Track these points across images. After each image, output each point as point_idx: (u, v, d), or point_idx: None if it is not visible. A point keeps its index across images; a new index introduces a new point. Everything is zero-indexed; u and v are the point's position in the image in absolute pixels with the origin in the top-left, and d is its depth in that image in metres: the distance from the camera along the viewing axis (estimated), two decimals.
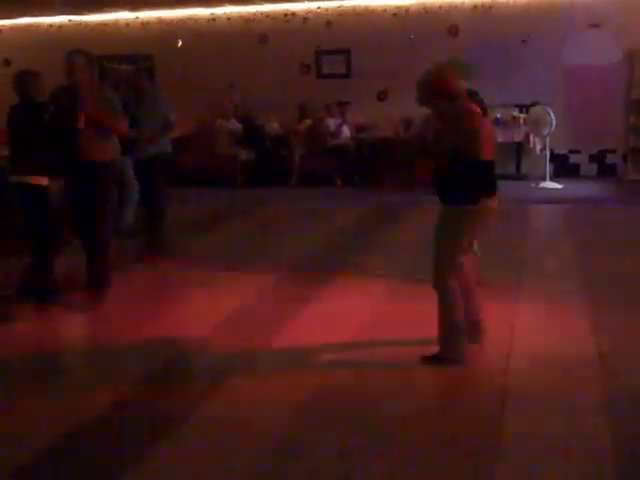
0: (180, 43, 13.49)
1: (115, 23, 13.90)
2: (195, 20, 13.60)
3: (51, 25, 14.14)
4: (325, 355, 4.80)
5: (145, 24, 13.80)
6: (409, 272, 6.46)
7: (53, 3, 12.52)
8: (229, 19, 13.46)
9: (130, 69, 8.31)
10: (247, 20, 13.37)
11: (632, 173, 11.98)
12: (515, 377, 4.33)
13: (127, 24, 13.87)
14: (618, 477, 3.24)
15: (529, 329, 5.16)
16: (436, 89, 4.47)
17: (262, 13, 13.30)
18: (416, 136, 11.46)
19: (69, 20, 14.01)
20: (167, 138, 7.98)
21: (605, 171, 12.36)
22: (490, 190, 4.47)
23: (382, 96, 12.93)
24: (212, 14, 13.49)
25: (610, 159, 12.36)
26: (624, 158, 12.19)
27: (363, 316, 5.53)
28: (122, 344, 5.11)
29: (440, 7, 12.54)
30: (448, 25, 12.45)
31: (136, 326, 5.49)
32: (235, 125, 12.88)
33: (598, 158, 12.43)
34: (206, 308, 5.91)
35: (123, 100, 6.50)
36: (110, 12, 13.61)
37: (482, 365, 4.61)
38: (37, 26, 14.22)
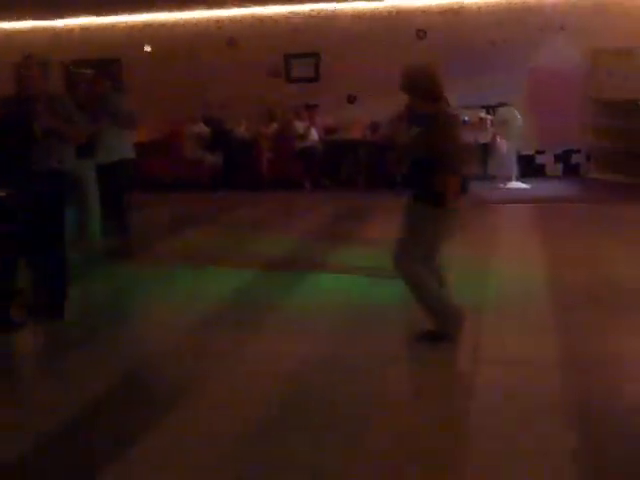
0: (148, 47, 13.48)
1: (81, 27, 13.84)
2: (163, 24, 13.59)
3: (15, 30, 14.02)
4: (296, 354, 4.80)
5: (112, 28, 13.75)
6: (380, 270, 6.53)
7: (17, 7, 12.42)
8: (197, 23, 13.47)
9: (91, 73, 8.19)
10: (216, 24, 13.40)
11: (595, 172, 12.18)
12: (482, 378, 4.35)
13: (94, 28, 13.82)
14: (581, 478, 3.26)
15: (497, 329, 5.17)
16: (428, 86, 4.54)
17: (231, 17, 13.34)
18: (385, 137, 11.56)
19: (34, 25, 13.91)
20: (130, 143, 7.92)
21: (570, 171, 12.57)
22: (462, 190, 4.61)
23: (351, 99, 13.03)
24: (180, 18, 13.50)
25: (575, 159, 12.58)
26: (588, 158, 12.40)
27: (335, 314, 5.58)
28: (92, 344, 5.12)
29: (408, 11, 12.66)
30: (416, 28, 12.58)
31: (106, 327, 5.51)
32: (203, 129, 12.89)
33: (563, 158, 12.64)
34: (177, 309, 5.91)
35: (80, 103, 6.38)
36: (76, 17, 13.57)
37: (450, 366, 4.65)
38: (1, 32, 14.10)
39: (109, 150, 7.51)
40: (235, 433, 3.72)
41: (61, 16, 13.50)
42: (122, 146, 7.71)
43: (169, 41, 13.39)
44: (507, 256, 7.34)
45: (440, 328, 4.72)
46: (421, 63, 4.74)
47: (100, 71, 9.16)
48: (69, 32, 13.82)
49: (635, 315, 5.42)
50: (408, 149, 4.70)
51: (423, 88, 4.56)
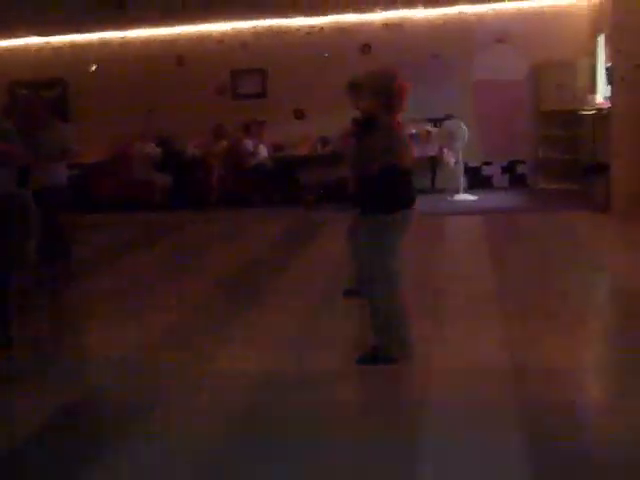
0: (94, 67, 13.36)
1: (25, 48, 13.66)
2: (108, 43, 13.48)
3: None
4: (245, 374, 4.76)
5: (57, 49, 13.59)
6: (328, 288, 6.54)
7: None
8: (143, 42, 13.39)
9: (25, 94, 7.98)
10: (161, 42, 13.33)
11: (541, 182, 12.40)
12: (435, 388, 4.36)
13: (38, 49, 13.64)
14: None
15: (446, 340, 5.17)
16: (392, 95, 4.52)
17: (177, 35, 13.29)
18: (333, 152, 11.64)
19: None
20: (62, 168, 7.75)
21: (517, 181, 12.77)
22: (413, 195, 4.66)
23: (298, 114, 13.07)
24: (125, 37, 13.41)
25: (521, 170, 12.79)
26: (534, 168, 12.62)
27: (283, 333, 5.54)
28: (44, 367, 5.04)
29: (353, 25, 12.78)
30: (361, 43, 12.70)
31: (57, 351, 5.43)
32: (153, 149, 12.80)
33: (510, 169, 12.84)
34: (124, 332, 5.82)
35: (16, 126, 6.26)
36: (19, 37, 13.39)
37: (403, 378, 4.66)
38: None
39: (39, 176, 7.37)
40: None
41: (2, 37, 13.31)
42: (52, 172, 7.56)
43: (116, 60, 13.27)
44: (454, 265, 7.42)
45: (382, 348, 4.68)
46: (392, 70, 4.71)
47: (36, 94, 8.94)
48: (12, 52, 13.62)
49: (582, 324, 5.52)
50: (358, 157, 4.70)
51: (387, 95, 4.53)
